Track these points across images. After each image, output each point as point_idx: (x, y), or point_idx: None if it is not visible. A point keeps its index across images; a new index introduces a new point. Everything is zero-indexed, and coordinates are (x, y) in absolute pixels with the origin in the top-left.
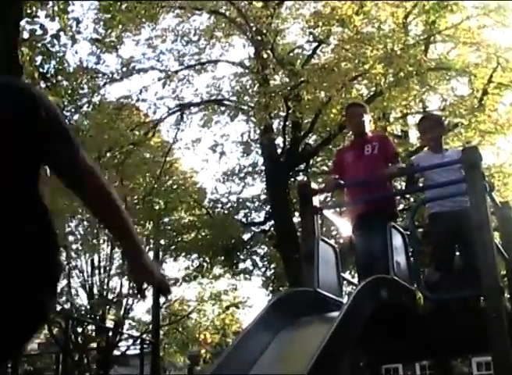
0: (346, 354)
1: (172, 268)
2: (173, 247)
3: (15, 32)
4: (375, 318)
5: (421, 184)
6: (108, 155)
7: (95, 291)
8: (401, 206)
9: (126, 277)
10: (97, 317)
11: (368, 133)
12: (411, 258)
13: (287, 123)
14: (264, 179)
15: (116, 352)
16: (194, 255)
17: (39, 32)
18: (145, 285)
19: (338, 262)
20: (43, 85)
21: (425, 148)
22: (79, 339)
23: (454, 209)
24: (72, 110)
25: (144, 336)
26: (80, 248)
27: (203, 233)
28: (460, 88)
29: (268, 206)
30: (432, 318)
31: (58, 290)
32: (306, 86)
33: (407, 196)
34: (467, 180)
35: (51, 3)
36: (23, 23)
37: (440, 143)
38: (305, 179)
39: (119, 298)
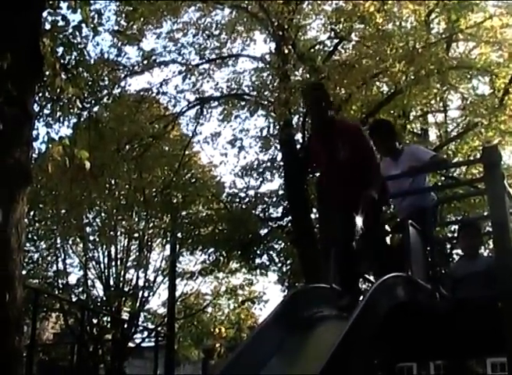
0: (361, 352)
1: (189, 261)
2: (190, 240)
3: (37, 23)
4: (390, 316)
5: None
6: (127, 147)
7: (111, 282)
8: None
9: (142, 269)
10: (113, 309)
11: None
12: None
13: (307, 119)
14: (282, 174)
15: (131, 344)
16: (211, 249)
17: (61, 23)
18: None
19: None
20: (64, 76)
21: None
22: (94, 330)
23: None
24: (93, 102)
25: (159, 329)
26: (98, 239)
27: (220, 228)
28: (481, 87)
29: (286, 202)
30: (448, 318)
31: (75, 281)
32: (326, 82)
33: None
34: (486, 179)
35: None
36: (45, 13)
37: (394, 150)
38: None
39: (135, 291)
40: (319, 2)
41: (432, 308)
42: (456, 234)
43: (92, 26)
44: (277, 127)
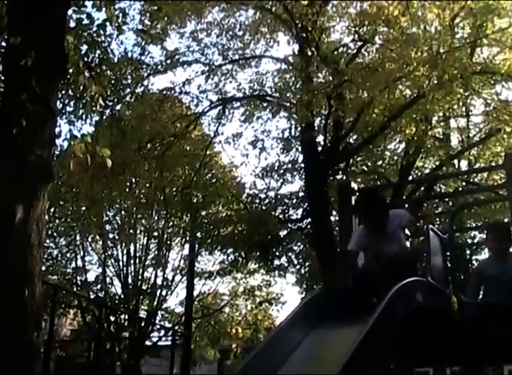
0: (378, 355)
1: (208, 261)
2: (209, 240)
3: (62, 20)
4: (408, 320)
5: None
6: (148, 146)
7: (130, 280)
8: (439, 209)
9: (160, 268)
10: (131, 307)
11: None
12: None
13: (329, 122)
14: (303, 176)
15: (148, 343)
16: (230, 250)
17: (86, 21)
18: None
19: None
20: (87, 74)
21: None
22: (111, 328)
23: None
24: (115, 100)
25: (176, 328)
26: (117, 237)
27: (239, 228)
28: (504, 93)
29: (306, 204)
30: (467, 324)
31: (93, 278)
32: (349, 85)
33: (446, 200)
34: (508, 185)
35: None
36: (69, 11)
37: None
38: (344, 178)
39: (153, 289)
40: (343, 5)
41: (450, 313)
42: (484, 236)
43: (116, 24)
44: (299, 129)
